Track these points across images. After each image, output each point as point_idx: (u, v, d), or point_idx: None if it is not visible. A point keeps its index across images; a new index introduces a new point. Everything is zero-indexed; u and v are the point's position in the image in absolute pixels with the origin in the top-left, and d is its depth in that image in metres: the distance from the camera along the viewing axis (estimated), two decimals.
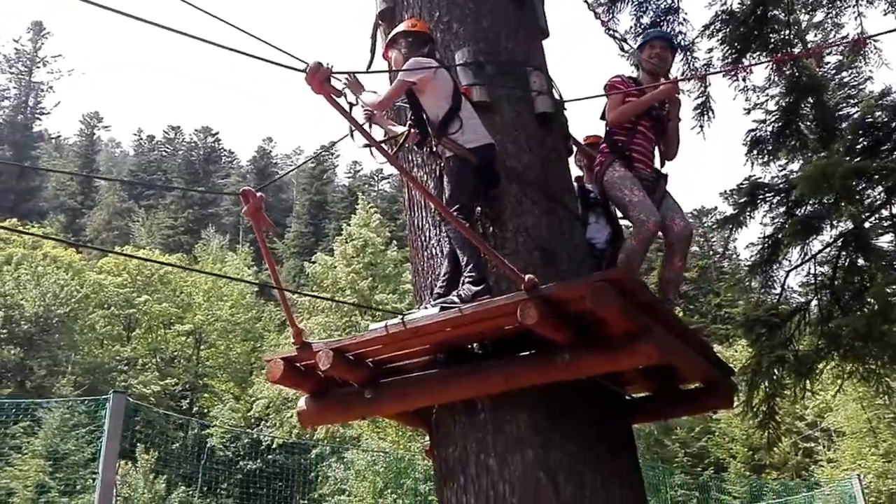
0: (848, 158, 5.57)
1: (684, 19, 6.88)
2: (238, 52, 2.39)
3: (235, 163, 74.18)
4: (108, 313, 32.12)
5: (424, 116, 3.34)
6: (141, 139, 75.43)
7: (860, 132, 5.88)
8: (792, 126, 6.45)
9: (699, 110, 6.59)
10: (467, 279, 3.05)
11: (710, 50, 6.75)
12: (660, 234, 3.79)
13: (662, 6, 6.95)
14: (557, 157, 3.77)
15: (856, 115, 6.34)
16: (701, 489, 22.90)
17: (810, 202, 6.03)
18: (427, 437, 3.60)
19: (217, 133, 71.62)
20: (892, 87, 6.17)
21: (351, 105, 3.34)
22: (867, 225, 6.19)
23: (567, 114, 4.08)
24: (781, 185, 6.19)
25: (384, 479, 16.02)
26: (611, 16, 6.68)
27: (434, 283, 3.35)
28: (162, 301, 33.11)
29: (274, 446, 24.87)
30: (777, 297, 6.73)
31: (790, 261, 6.62)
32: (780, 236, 6.24)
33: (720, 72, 6.36)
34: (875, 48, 6.33)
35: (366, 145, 3.13)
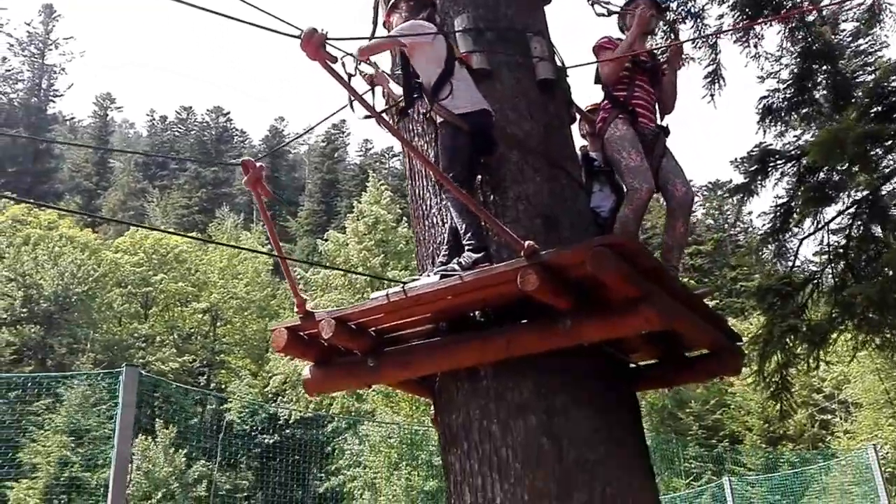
0: (862, 124, 5.45)
1: None
2: (231, 17, 2.38)
3: (248, 142, 74.34)
4: (126, 291, 32.55)
5: (418, 81, 3.31)
6: (153, 120, 75.96)
7: (875, 98, 5.74)
8: (805, 94, 6.32)
9: (710, 78, 6.47)
10: (467, 247, 3.04)
11: (721, 17, 6.62)
12: (661, 199, 3.76)
13: None
14: (559, 124, 3.72)
15: (870, 83, 6.19)
16: (715, 461, 22.99)
17: (823, 169, 5.93)
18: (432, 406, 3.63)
19: (228, 113, 71.93)
20: None
21: (350, 76, 3.31)
22: (882, 192, 6.08)
23: (570, 80, 4.03)
24: (793, 152, 6.08)
25: (399, 452, 16.23)
26: None
27: (436, 252, 3.35)
28: (178, 280, 33.50)
29: (291, 421, 25.26)
30: (789, 265, 6.66)
31: (803, 229, 6.54)
32: (792, 204, 6.15)
33: (730, 30, 6.20)
34: (892, 12, 6.16)
35: (366, 116, 3.12)
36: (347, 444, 20.24)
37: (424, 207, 3.57)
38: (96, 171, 60.54)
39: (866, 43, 6.77)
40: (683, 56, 3.97)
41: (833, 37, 6.58)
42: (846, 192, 6.11)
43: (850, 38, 6.82)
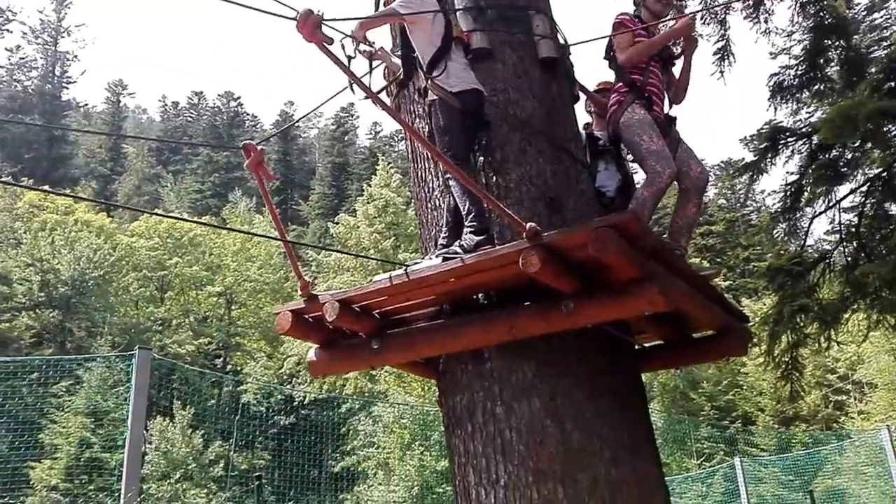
0: (875, 99, 5.34)
1: None
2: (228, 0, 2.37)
3: (259, 126, 74.40)
4: (141, 275, 32.85)
5: (415, 55, 3.29)
6: (165, 105, 76.31)
7: (888, 73, 5.62)
8: (817, 70, 6.20)
9: (719, 55, 6.37)
10: (469, 229, 3.03)
11: None
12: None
13: None
14: (563, 104, 3.67)
15: (884, 57, 6.06)
16: (728, 442, 22.97)
17: (835, 147, 5.83)
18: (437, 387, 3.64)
19: (239, 97, 71.94)
20: None
21: (350, 58, 3.29)
22: None
23: (573, 58, 3.97)
24: (804, 129, 5.98)
25: (411, 433, 16.35)
26: None
27: (438, 234, 3.34)
28: (193, 263, 33.79)
29: (306, 402, 25.53)
30: (801, 244, 6.59)
31: (814, 208, 6.45)
32: (803, 183, 6.06)
33: (740, 2, 6.07)
34: None
35: (365, 97, 3.09)
36: (361, 424, 20.42)
37: (427, 190, 3.56)
38: (110, 156, 60.89)
39: (881, 17, 6.63)
40: (693, 33, 3.85)
41: (847, 11, 6.43)
42: (859, 170, 6.01)
43: (864, 13, 6.68)
